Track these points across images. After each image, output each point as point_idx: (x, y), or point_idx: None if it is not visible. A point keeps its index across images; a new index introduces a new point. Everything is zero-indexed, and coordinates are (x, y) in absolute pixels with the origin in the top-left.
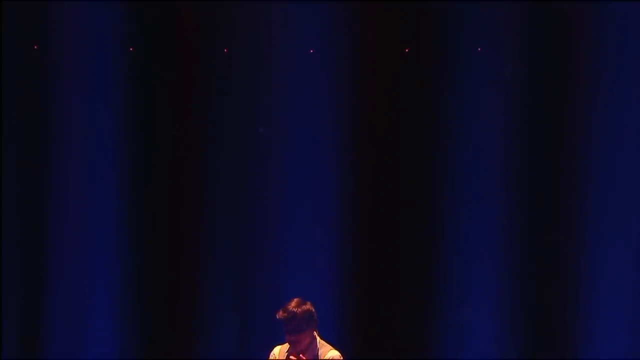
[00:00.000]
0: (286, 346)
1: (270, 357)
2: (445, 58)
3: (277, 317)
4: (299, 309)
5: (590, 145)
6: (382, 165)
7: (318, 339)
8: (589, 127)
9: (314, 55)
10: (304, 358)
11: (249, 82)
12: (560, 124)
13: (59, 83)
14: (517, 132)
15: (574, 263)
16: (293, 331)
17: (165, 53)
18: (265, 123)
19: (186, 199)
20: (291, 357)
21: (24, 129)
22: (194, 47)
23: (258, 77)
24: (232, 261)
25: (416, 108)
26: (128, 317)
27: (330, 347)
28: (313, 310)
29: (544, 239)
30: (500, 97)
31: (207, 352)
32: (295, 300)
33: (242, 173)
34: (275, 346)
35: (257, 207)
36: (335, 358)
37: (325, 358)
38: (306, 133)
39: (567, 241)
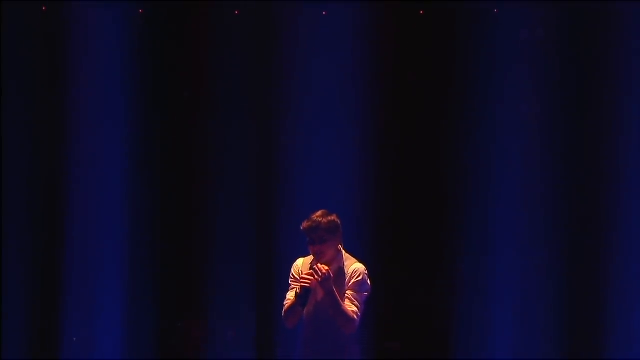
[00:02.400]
0: (310, 258)
1: (293, 269)
2: (460, 20)
3: (301, 227)
4: (324, 219)
5: (614, 115)
6: (399, 130)
7: (343, 252)
8: (609, 96)
9: (327, 18)
10: (327, 268)
11: (261, 45)
12: (579, 91)
13: (66, 48)
14: (533, 96)
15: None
16: (317, 241)
17: (175, 16)
18: (277, 86)
19: (198, 165)
20: (315, 266)
21: (30, 90)
22: (204, 9)
23: (270, 39)
24: (246, 229)
25: (431, 70)
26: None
27: (355, 260)
28: (339, 222)
29: (569, 207)
30: (517, 60)
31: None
32: (321, 210)
33: (256, 139)
34: (298, 258)
35: (271, 175)
36: (359, 270)
37: (350, 270)
38: (320, 97)
39: (596, 217)
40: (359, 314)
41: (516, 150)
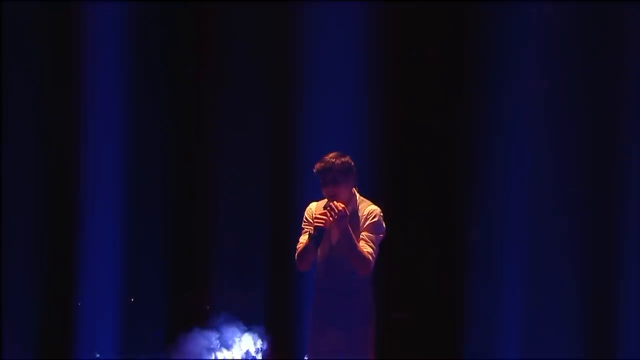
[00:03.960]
0: (323, 202)
1: (307, 213)
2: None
3: (314, 169)
4: (337, 160)
5: (627, 93)
6: (408, 109)
7: (358, 195)
8: (621, 72)
9: None
10: (342, 206)
11: (266, 22)
12: (591, 68)
13: (69, 25)
14: (545, 74)
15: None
16: (330, 182)
17: None
18: (284, 63)
19: (201, 140)
20: (331, 204)
21: (35, 68)
22: None
23: (275, 17)
24: (255, 200)
25: (441, 45)
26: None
27: (370, 202)
28: (352, 163)
29: (581, 181)
30: (528, 37)
31: None
32: (334, 152)
33: (261, 116)
34: (311, 202)
35: (282, 147)
36: (374, 212)
37: (365, 211)
38: (331, 74)
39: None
40: (374, 255)
41: (528, 130)
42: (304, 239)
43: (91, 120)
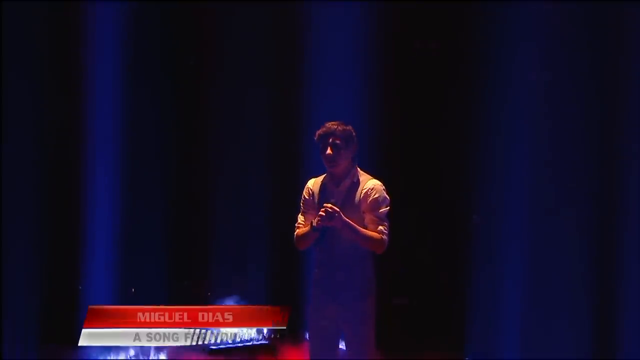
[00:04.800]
0: (321, 178)
1: (305, 191)
2: None
3: (316, 136)
4: (339, 127)
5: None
6: (407, 100)
7: (358, 169)
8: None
9: None
10: (334, 207)
11: (268, 12)
12: (591, 60)
13: (69, 24)
14: (546, 67)
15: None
16: (331, 147)
17: None
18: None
19: (201, 136)
20: (326, 204)
21: (35, 68)
22: None
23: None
24: (255, 188)
25: (442, 38)
26: None
27: (371, 177)
28: (354, 133)
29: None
30: (526, 29)
31: None
32: (336, 121)
33: (263, 106)
34: (309, 179)
35: (279, 139)
36: (375, 187)
37: (365, 186)
38: (332, 73)
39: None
40: (385, 231)
41: (528, 123)
42: (302, 220)
43: (91, 118)
